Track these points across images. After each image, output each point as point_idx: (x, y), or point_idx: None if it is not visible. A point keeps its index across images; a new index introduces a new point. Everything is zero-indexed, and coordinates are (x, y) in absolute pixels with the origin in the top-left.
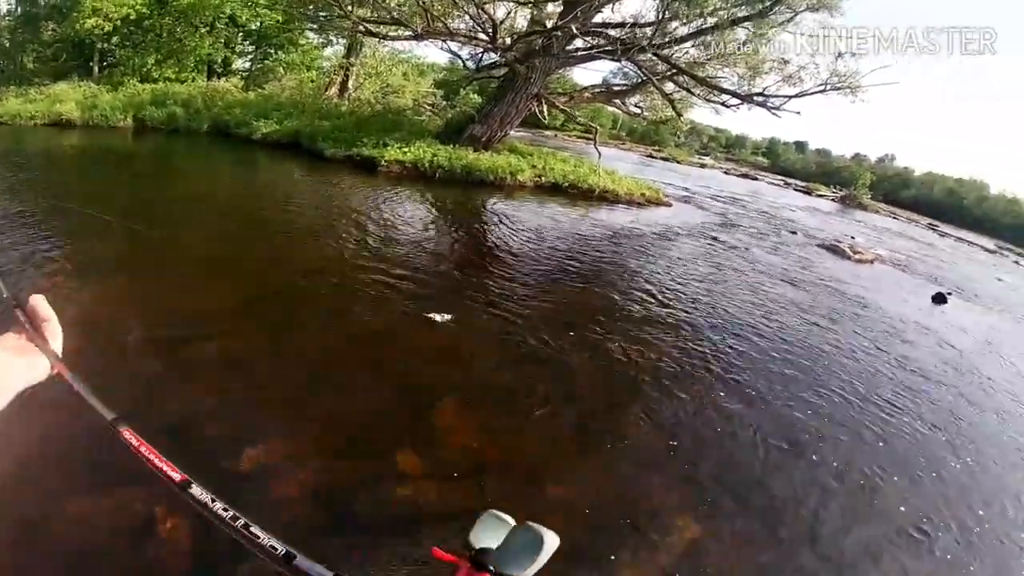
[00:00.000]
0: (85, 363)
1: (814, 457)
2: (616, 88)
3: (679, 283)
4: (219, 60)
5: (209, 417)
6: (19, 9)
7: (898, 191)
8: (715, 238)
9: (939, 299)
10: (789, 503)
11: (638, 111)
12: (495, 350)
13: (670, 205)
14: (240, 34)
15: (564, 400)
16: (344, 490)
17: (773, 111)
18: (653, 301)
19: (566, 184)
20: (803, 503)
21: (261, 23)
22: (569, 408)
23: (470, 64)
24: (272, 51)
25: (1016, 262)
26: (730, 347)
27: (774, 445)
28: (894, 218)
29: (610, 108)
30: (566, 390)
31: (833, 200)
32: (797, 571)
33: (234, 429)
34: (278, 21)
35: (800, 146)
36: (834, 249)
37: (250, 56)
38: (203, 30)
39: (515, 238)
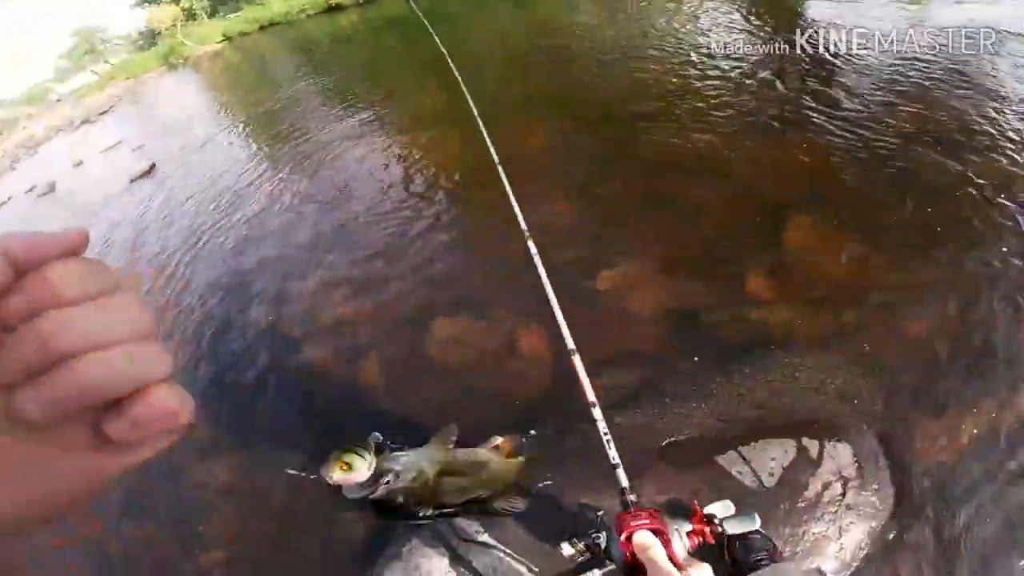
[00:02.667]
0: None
1: None
2: None
3: None
4: None
5: (566, 239)
6: None
7: None
8: None
9: None
10: None
11: None
12: (852, 162)
13: None
14: None
15: (927, 227)
16: (692, 310)
17: None
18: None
19: None
20: None
21: None
22: (934, 236)
23: None
24: None
25: None
26: None
27: None
28: None
29: None
30: (941, 214)
31: None
32: None
33: (587, 251)
34: None
35: None
36: None
37: None
38: None
39: (847, 51)
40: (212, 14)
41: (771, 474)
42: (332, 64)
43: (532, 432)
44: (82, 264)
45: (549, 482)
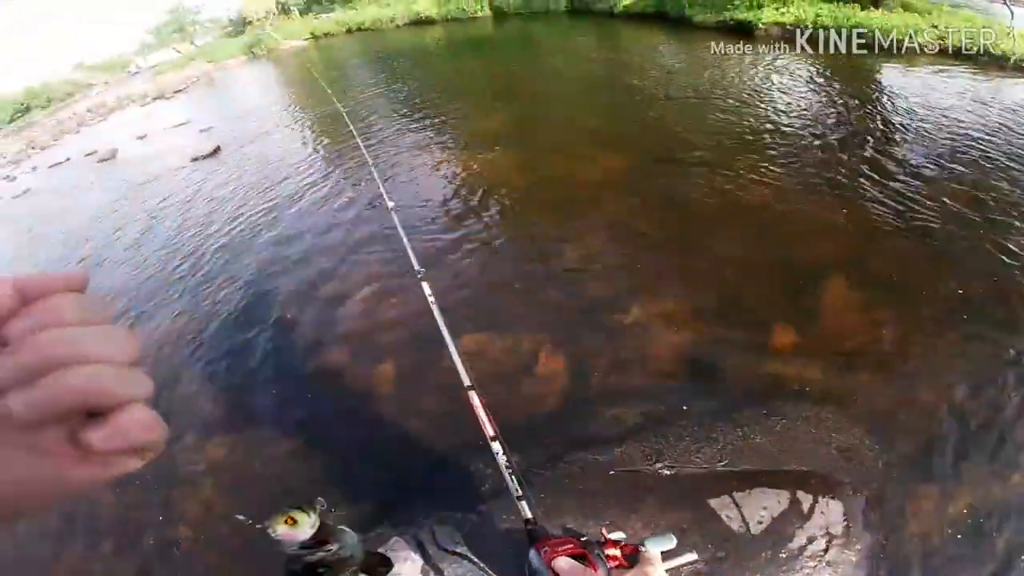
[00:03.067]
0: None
1: None
2: None
3: None
4: None
5: (594, 275)
6: None
7: None
8: None
9: None
10: None
11: None
12: (894, 233)
13: None
14: None
15: (962, 301)
16: (713, 355)
17: None
18: None
19: (976, 48)
20: None
21: None
22: (967, 310)
23: None
24: None
25: None
26: None
27: None
28: None
29: None
30: (966, 289)
31: None
32: None
33: (618, 287)
34: None
35: None
36: None
37: None
38: None
39: (913, 114)
40: (305, 11)
41: (760, 522)
42: (409, 75)
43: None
44: (81, 297)
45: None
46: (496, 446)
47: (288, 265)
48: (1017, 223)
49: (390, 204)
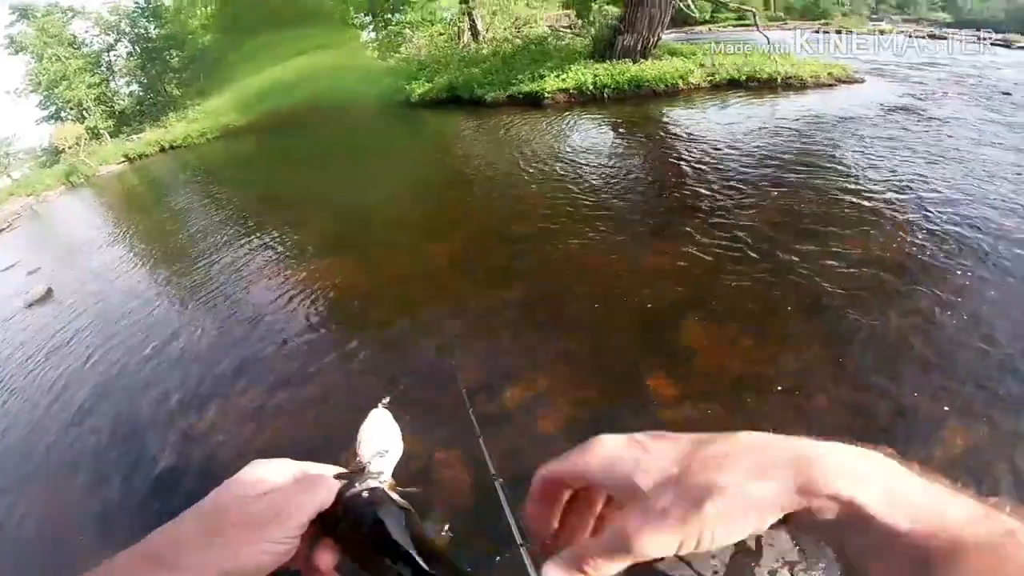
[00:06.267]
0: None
1: None
2: None
3: (903, 169)
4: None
5: (462, 365)
6: (136, 48)
7: None
8: (925, 112)
9: None
10: None
11: None
12: (722, 265)
13: (863, 81)
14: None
15: (809, 311)
16: (605, 419)
17: None
18: (877, 193)
19: (743, 77)
20: None
21: None
22: (817, 318)
23: None
24: (389, 16)
25: None
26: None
27: None
28: None
29: None
30: (808, 299)
31: None
32: None
33: (490, 371)
34: None
35: None
36: None
37: (370, 26)
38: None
39: (704, 145)
40: (115, 134)
41: (715, 572)
42: (232, 187)
43: None
44: None
45: None
46: None
47: (145, 409)
48: (820, 224)
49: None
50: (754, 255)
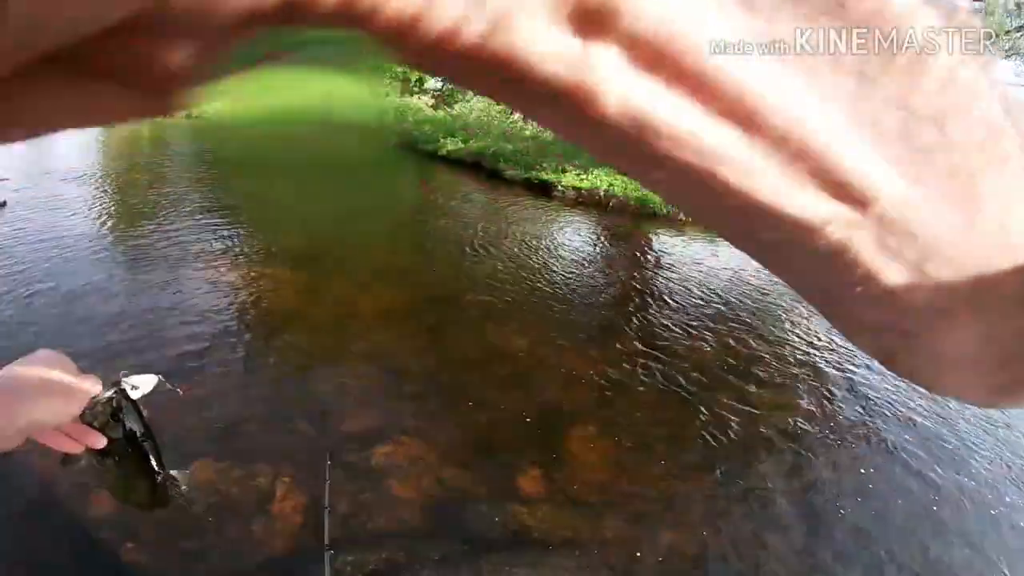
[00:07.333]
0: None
1: None
2: None
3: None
4: (413, 78)
5: (352, 408)
6: None
7: None
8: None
9: None
10: None
11: None
12: (642, 386)
13: None
14: None
15: (706, 448)
16: (461, 501)
17: None
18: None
19: None
20: None
21: None
22: (711, 456)
23: None
24: None
25: None
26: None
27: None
28: None
29: None
30: (710, 437)
31: None
32: None
33: (371, 424)
34: None
35: None
36: None
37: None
38: None
39: (679, 279)
40: None
41: None
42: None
43: None
44: None
45: None
46: None
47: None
48: (756, 371)
49: None
50: (674, 383)
